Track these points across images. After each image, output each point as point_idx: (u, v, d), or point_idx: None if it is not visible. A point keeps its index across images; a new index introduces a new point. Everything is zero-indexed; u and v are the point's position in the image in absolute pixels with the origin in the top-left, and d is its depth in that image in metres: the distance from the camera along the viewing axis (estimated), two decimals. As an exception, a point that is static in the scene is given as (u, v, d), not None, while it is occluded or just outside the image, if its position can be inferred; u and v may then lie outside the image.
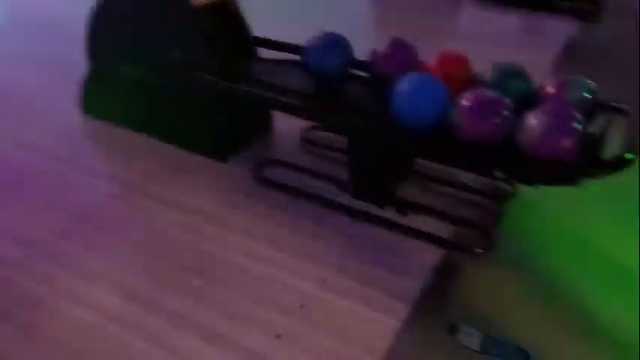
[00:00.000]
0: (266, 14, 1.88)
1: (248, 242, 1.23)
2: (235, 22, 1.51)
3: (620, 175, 1.00)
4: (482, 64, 1.30)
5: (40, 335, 1.00)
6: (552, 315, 1.08)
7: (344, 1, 3.09)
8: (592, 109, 1.16)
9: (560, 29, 2.69)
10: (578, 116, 1.02)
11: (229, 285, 1.11)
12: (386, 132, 1.20)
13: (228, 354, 0.97)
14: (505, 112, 1.06)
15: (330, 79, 1.37)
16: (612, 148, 1.04)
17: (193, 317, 1.04)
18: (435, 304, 1.09)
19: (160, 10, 1.45)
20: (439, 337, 1.01)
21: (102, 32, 1.57)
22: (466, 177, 1.44)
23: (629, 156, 0.99)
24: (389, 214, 1.30)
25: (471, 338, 1.00)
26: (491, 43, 2.46)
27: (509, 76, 1.24)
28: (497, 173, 1.15)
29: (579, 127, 1.00)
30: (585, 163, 1.02)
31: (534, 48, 2.43)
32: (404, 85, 1.15)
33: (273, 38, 1.55)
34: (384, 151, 1.29)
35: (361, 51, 1.40)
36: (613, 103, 1.20)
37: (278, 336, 1.00)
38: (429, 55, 1.34)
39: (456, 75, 1.26)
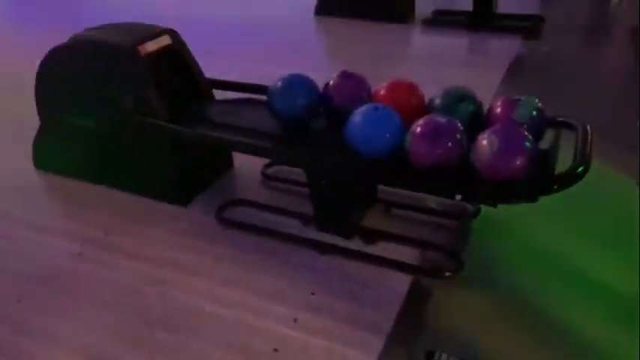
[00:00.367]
0: (218, 55, 1.87)
1: (215, 288, 1.20)
2: (185, 66, 1.50)
3: (574, 187, 1.03)
4: (432, 88, 1.32)
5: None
6: (526, 331, 1.08)
7: (293, 34, 3.14)
8: (541, 125, 1.19)
9: (504, 48, 2.79)
10: (528, 135, 1.05)
11: (200, 334, 1.08)
12: (343, 163, 1.20)
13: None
14: (457, 136, 1.09)
15: (294, 119, 1.36)
16: (563, 162, 1.07)
17: (166, 373, 0.99)
18: (410, 332, 1.08)
19: (107, 59, 1.43)
20: (417, 365, 1.00)
21: (50, 85, 1.54)
22: (430, 199, 1.45)
23: (580, 169, 1.02)
24: (355, 244, 1.30)
25: (447, 364, 0.99)
26: (439, 65, 2.53)
27: (459, 100, 1.26)
28: (457, 195, 1.17)
29: (530, 145, 1.03)
30: (539, 179, 1.04)
31: (481, 68, 2.50)
32: (357, 116, 1.16)
33: (228, 79, 1.54)
34: (344, 182, 1.29)
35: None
36: (561, 119, 1.24)
37: (255, 383, 0.97)
38: (381, 81, 1.35)
39: (407, 102, 1.27)
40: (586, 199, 1.39)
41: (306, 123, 1.35)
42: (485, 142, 1.04)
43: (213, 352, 1.04)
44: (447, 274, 1.21)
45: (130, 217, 1.45)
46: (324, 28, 3.32)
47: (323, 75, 1.39)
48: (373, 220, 1.38)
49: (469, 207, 1.42)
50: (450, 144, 1.08)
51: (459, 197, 1.20)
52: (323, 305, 1.14)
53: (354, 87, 1.34)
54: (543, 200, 1.05)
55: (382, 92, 1.32)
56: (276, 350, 1.03)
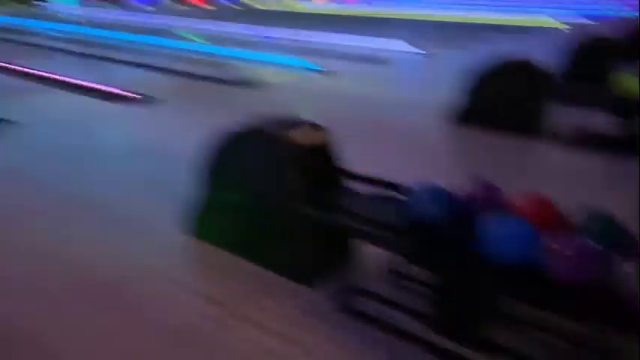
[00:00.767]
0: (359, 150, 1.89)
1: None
2: (329, 160, 1.67)
3: None
4: (567, 205, 1.28)
5: None
6: None
7: (428, 138, 3.13)
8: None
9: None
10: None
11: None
12: (473, 271, 1.21)
13: None
14: (602, 262, 1.06)
15: (428, 222, 1.36)
16: None
17: None
18: None
19: (268, 148, 1.65)
20: None
21: (219, 165, 1.75)
22: (561, 323, 1.27)
23: None
24: (474, 355, 1.25)
25: None
26: (575, 184, 2.36)
27: (601, 222, 1.20)
28: (593, 321, 1.09)
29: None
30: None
31: (621, 192, 2.21)
32: (490, 224, 1.18)
33: (366, 174, 1.64)
34: (472, 290, 1.27)
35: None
36: None
37: None
38: (517, 193, 1.33)
39: (543, 216, 1.23)
40: None
41: (440, 227, 1.36)
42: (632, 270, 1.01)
43: None
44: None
45: (261, 289, 1.55)
46: (461, 136, 3.25)
47: (458, 182, 1.41)
48: (496, 333, 1.29)
49: (605, 338, 1.21)
50: (593, 269, 1.05)
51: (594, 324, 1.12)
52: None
53: (488, 196, 1.35)
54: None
55: (517, 203, 1.30)
56: None
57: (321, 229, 1.54)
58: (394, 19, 10.01)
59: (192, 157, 1.82)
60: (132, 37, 7.09)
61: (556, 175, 2.55)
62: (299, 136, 1.60)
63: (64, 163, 2.49)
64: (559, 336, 1.31)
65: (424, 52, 6.00)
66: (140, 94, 3.61)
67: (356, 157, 1.71)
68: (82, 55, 5.57)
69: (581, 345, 1.25)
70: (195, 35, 7.63)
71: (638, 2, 3.43)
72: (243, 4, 14.32)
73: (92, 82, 4.10)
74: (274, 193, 1.61)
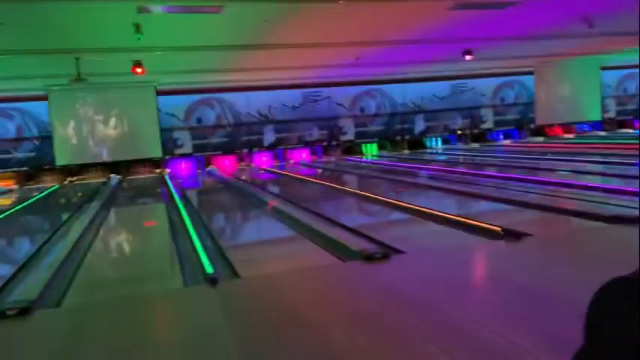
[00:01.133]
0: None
1: None
2: None
3: None
4: None
5: None
6: None
7: None
8: None
9: None
10: None
11: None
12: None
13: None
14: None
15: None
16: None
17: None
18: None
19: None
20: None
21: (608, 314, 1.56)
22: None
23: None
24: None
25: None
26: None
27: None
28: None
29: None
30: None
31: None
32: None
33: None
34: None
35: None
36: None
37: None
38: None
39: None
40: None
41: None
42: None
43: None
44: None
45: None
46: None
47: None
48: None
49: None
50: None
51: None
52: None
53: None
54: None
55: None
56: None
57: None
58: None
59: (563, 296, 1.68)
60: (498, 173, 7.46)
61: None
62: None
63: (439, 291, 2.67)
64: None
65: None
66: (506, 228, 3.65)
67: None
68: (452, 191, 6.10)
69: None
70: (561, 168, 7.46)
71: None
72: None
73: (460, 215, 4.42)
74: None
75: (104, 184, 10.41)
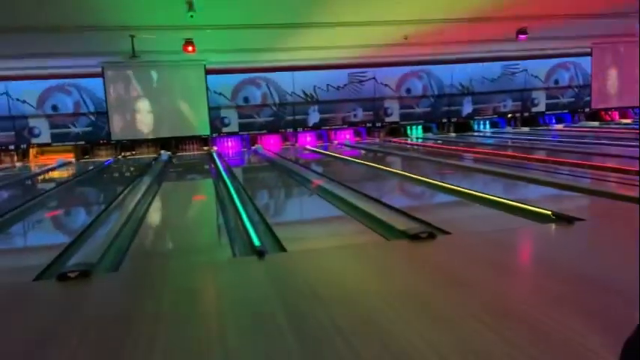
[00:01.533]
0: None
1: None
2: None
3: None
4: None
5: None
6: None
7: None
8: None
9: None
10: None
11: None
12: None
13: None
14: None
15: None
16: None
17: None
18: None
19: None
20: None
21: None
22: None
23: None
24: None
25: None
26: None
27: None
28: None
29: None
30: None
31: None
32: None
33: None
34: None
35: None
36: None
37: None
38: None
39: None
40: None
41: None
42: None
43: None
44: None
45: None
46: None
47: None
48: None
49: None
50: None
51: None
52: None
53: None
54: None
55: None
56: None
57: None
58: None
59: (616, 281, 1.65)
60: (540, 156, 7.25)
61: None
62: None
63: (486, 272, 2.65)
64: None
65: None
66: (557, 212, 3.57)
67: None
68: (500, 174, 5.98)
69: None
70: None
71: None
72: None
73: (508, 198, 4.34)
74: None
75: (155, 159, 10.75)
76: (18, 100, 11.35)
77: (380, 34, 9.33)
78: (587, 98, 13.97)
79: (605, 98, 13.98)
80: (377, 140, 12.79)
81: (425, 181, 5.81)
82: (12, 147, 11.49)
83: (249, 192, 5.74)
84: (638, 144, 7.81)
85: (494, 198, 4.41)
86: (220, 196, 5.76)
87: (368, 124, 13.23)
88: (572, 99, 13.99)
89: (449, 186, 5.31)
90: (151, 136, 11.95)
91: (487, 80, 13.47)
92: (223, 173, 7.39)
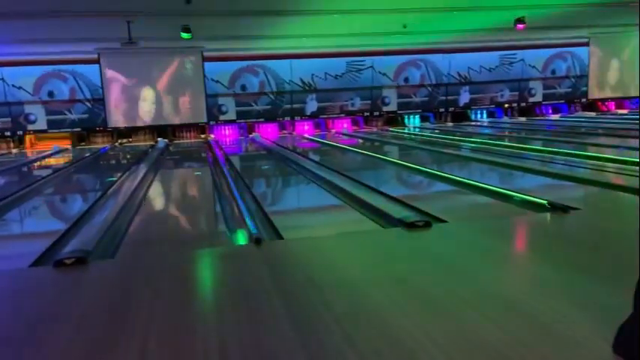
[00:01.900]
0: None
1: None
2: None
3: None
4: None
5: None
6: None
7: None
8: None
9: None
10: None
11: None
12: None
13: None
14: None
15: None
16: None
17: None
18: None
19: None
20: None
21: None
22: None
23: None
24: None
25: None
26: None
27: None
28: None
29: None
30: None
31: None
32: None
33: None
34: None
35: None
36: None
37: None
38: None
39: None
40: None
41: None
42: None
43: None
44: None
45: None
46: None
47: None
48: None
49: None
50: None
51: None
52: None
53: None
54: None
55: None
56: None
57: None
58: None
59: (610, 269, 1.66)
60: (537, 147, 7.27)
61: None
62: None
63: (481, 260, 2.67)
64: None
65: None
66: (552, 202, 3.58)
67: None
68: (496, 163, 5.99)
69: None
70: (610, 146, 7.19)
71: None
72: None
73: (504, 187, 4.36)
74: None
75: (152, 147, 10.72)
76: (14, 86, 11.27)
77: (379, 22, 9.28)
78: (584, 88, 13.97)
79: (602, 89, 13.97)
80: (374, 129, 12.78)
81: (422, 170, 5.82)
82: (8, 133, 11.43)
83: (246, 180, 5.74)
84: (637, 135, 7.83)
85: (491, 187, 4.42)
86: (217, 184, 5.75)
87: (366, 113, 13.20)
88: (569, 89, 13.98)
89: (445, 175, 5.32)
90: (147, 124, 11.91)
91: (485, 70, 13.44)
92: (220, 161, 7.38)
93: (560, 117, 13.38)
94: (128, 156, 9.56)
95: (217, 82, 12.12)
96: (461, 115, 13.58)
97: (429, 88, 13.35)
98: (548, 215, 3.49)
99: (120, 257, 3.15)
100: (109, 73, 11.44)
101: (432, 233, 3.16)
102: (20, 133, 11.49)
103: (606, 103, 14.17)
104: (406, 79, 13.21)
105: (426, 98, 13.38)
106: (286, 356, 1.72)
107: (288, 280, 2.48)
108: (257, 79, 12.38)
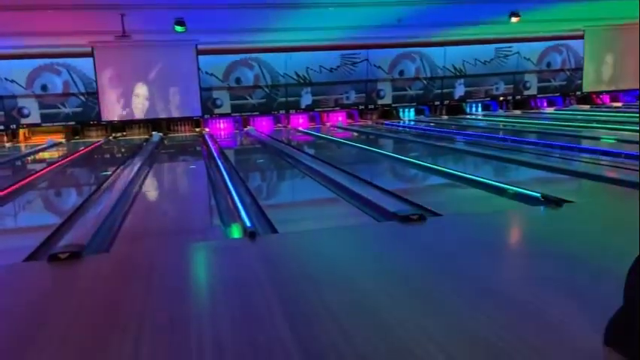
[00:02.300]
0: None
1: None
2: None
3: None
4: None
5: None
6: None
7: None
8: None
9: None
10: None
11: None
12: None
13: None
14: None
15: None
16: None
17: None
18: None
19: None
20: None
21: None
22: None
23: None
24: None
25: None
26: None
27: None
28: None
29: None
30: None
31: None
32: None
33: None
34: None
35: None
36: None
37: None
38: None
39: None
40: None
41: None
42: None
43: None
44: None
45: None
46: None
47: None
48: None
49: None
50: None
51: None
52: None
53: None
54: None
55: None
56: None
57: None
58: None
59: (602, 262, 1.67)
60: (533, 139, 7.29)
61: None
62: None
63: (476, 253, 2.69)
64: None
65: None
66: (546, 195, 3.60)
67: None
68: (491, 157, 6.01)
69: None
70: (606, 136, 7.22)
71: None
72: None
73: (499, 181, 4.38)
74: None
75: (146, 140, 10.68)
76: (6, 79, 11.18)
77: (373, 15, 9.25)
78: (579, 81, 14.00)
79: (597, 82, 14.01)
80: (369, 122, 12.78)
81: (416, 164, 5.83)
82: (1, 127, 11.36)
83: (241, 174, 5.73)
84: (638, 127, 7.86)
85: (485, 180, 4.44)
86: (212, 178, 5.75)
87: (360, 107, 13.19)
88: (564, 82, 14.01)
89: (440, 168, 5.33)
90: (141, 117, 11.86)
91: (480, 62, 13.44)
92: (215, 155, 7.37)
93: (555, 110, 13.41)
94: (122, 150, 9.52)
95: (212, 75, 12.07)
96: (456, 108, 13.60)
97: (424, 81, 13.35)
98: (541, 208, 3.51)
99: (114, 251, 3.14)
100: (103, 66, 11.37)
101: (426, 227, 3.17)
102: (14, 126, 11.42)
103: (601, 96, 14.21)
104: (401, 72, 13.20)
105: (421, 91, 13.38)
106: (281, 351, 1.73)
107: (283, 274, 2.48)
108: (252, 72, 12.34)
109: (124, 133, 11.98)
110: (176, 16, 8.59)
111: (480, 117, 12.87)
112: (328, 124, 12.87)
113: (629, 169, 4.63)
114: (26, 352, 1.83)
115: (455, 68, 13.41)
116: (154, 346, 1.81)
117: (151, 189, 5.69)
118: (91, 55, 11.23)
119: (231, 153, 8.53)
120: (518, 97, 13.90)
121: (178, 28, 8.93)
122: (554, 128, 8.90)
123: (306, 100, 12.79)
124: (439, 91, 13.48)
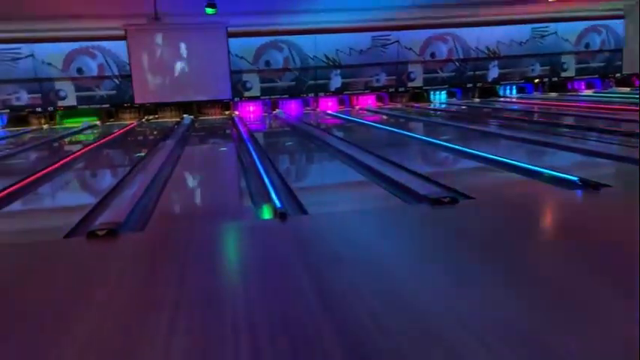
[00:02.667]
0: None
1: None
2: None
3: None
4: None
5: None
6: None
7: None
8: None
9: None
10: None
11: None
12: None
13: None
14: None
15: None
16: None
17: None
18: None
19: None
20: None
21: None
22: None
23: None
24: None
25: None
26: None
27: None
28: None
29: None
30: None
31: None
32: None
33: None
34: None
35: None
36: None
37: None
38: None
39: None
40: None
41: None
42: None
43: None
44: None
45: None
46: None
47: None
48: None
49: None
50: None
51: None
52: None
53: None
54: None
55: None
56: None
57: None
58: None
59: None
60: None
61: None
62: None
63: (510, 237, 2.64)
64: None
65: None
66: (584, 179, 3.51)
67: None
68: (525, 140, 5.88)
69: None
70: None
71: None
72: None
73: (534, 164, 4.28)
74: None
75: (177, 123, 10.82)
76: (44, 62, 11.46)
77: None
78: (619, 63, 13.49)
79: (638, 63, 13.46)
80: (399, 105, 12.64)
81: (448, 147, 5.75)
82: (39, 109, 11.68)
83: (270, 156, 5.76)
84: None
85: (520, 164, 4.35)
86: (242, 160, 5.80)
87: (390, 89, 13.04)
88: (603, 64, 13.53)
89: (473, 152, 5.24)
90: (173, 100, 12.01)
91: (515, 43, 13.08)
92: (245, 137, 7.42)
93: (593, 92, 12.99)
94: (155, 132, 9.68)
95: (242, 58, 12.10)
96: (489, 91, 13.30)
97: (457, 63, 13.08)
98: (578, 192, 3.42)
99: (149, 230, 3.22)
100: (136, 49, 11.52)
101: (458, 210, 3.13)
102: (51, 109, 11.73)
103: (641, 78, 13.67)
104: (432, 54, 12.95)
105: (453, 73, 13.13)
106: (313, 329, 1.75)
107: (314, 255, 2.50)
108: (281, 55, 12.31)
109: (157, 116, 12.17)
110: (207, -2, 8.62)
111: (513, 99, 12.56)
112: (357, 107, 12.78)
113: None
114: (70, 324, 1.90)
115: (489, 49, 13.09)
116: (189, 324, 1.85)
117: (183, 171, 5.78)
118: (124, 37, 11.38)
119: (261, 136, 8.57)
120: (555, 79, 13.50)
121: (209, 10, 8.96)
122: (591, 111, 8.63)
123: (336, 82, 12.70)
124: (472, 73, 13.20)
